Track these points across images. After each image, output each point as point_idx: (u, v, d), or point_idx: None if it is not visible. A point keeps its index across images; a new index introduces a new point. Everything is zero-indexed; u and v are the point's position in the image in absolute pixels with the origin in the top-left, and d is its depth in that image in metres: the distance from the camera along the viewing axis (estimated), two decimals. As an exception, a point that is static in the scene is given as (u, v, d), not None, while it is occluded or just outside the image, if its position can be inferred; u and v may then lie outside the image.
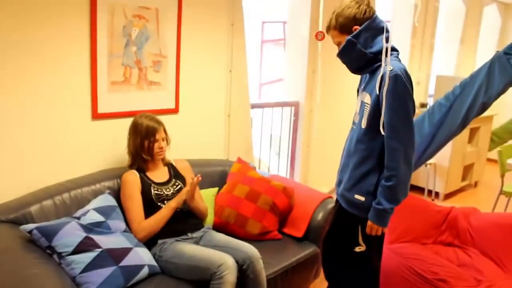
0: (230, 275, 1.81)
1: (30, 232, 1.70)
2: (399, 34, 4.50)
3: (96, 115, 2.28)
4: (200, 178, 2.08)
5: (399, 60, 1.72)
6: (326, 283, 2.09)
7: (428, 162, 3.93)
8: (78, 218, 1.89)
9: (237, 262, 1.90)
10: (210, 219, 2.39)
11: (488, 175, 5.22)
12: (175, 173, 2.28)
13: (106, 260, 1.77)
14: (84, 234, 1.80)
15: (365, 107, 1.75)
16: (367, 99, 1.74)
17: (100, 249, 1.78)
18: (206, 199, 2.39)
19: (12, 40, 1.93)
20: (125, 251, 1.85)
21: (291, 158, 3.73)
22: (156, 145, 2.16)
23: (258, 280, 1.96)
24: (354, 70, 1.81)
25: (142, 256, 1.90)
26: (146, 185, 2.13)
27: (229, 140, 3.01)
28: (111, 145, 2.37)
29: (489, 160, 5.35)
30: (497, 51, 2.48)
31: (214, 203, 2.47)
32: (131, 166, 2.19)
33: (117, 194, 2.15)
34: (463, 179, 4.76)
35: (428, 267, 2.23)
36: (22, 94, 2.01)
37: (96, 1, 2.15)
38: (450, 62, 5.35)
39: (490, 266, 2.38)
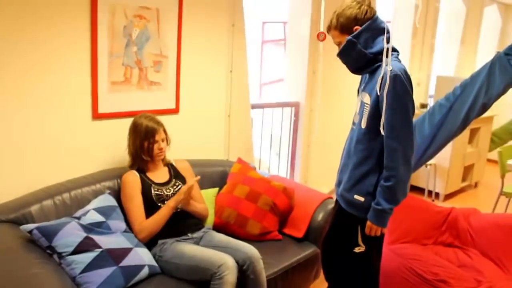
0: (230, 275, 1.81)
1: (30, 232, 1.70)
2: (400, 35, 4.50)
3: (97, 115, 2.28)
4: (193, 186, 2.07)
5: (399, 61, 1.72)
6: (326, 284, 2.09)
7: (429, 162, 3.93)
8: (78, 218, 1.89)
9: (237, 262, 1.90)
10: (210, 220, 2.39)
11: (488, 175, 5.22)
12: (175, 173, 2.28)
13: (106, 260, 1.77)
14: (84, 234, 1.80)
15: (365, 107, 1.75)
16: (367, 99, 1.74)
17: (100, 249, 1.78)
18: (206, 199, 2.39)
19: (13, 40, 1.93)
20: (125, 251, 1.85)
21: (291, 159, 3.73)
22: (155, 146, 2.16)
23: (258, 281, 1.96)
24: (354, 70, 1.81)
25: (142, 256, 1.90)
26: (146, 185, 2.13)
27: (229, 140, 3.01)
28: (112, 145, 2.37)
29: (489, 160, 5.34)
30: (498, 52, 2.48)
31: (214, 203, 2.47)
32: (131, 167, 2.19)
33: (117, 194, 2.15)
34: (463, 179, 4.75)
35: (428, 267, 2.23)
36: (22, 94, 2.01)
37: (96, 1, 2.15)
38: (450, 63, 5.35)
39: (490, 266, 2.38)
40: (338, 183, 1.92)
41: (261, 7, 5.46)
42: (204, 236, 2.15)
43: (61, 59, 2.10)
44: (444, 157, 4.27)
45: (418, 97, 4.51)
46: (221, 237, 2.12)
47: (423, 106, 4.67)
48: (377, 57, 1.71)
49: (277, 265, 2.15)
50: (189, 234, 2.11)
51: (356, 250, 1.82)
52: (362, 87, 1.85)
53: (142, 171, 2.19)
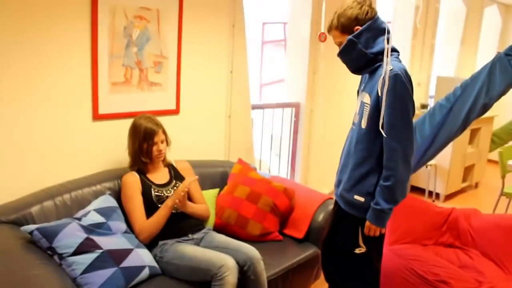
0: (231, 276, 1.81)
1: (30, 233, 1.70)
2: (400, 35, 4.51)
3: (97, 116, 2.28)
4: (186, 190, 2.05)
5: (400, 61, 1.72)
6: (326, 285, 2.09)
7: (429, 163, 3.93)
8: (79, 219, 1.89)
9: (238, 263, 1.90)
10: (211, 220, 2.39)
11: (488, 176, 5.22)
12: (175, 174, 2.28)
13: (106, 261, 1.76)
14: (85, 235, 1.80)
15: (365, 107, 1.75)
16: (367, 99, 1.74)
17: (101, 250, 1.78)
18: (207, 200, 2.39)
19: (13, 41, 1.93)
20: (125, 252, 1.85)
21: (291, 159, 3.73)
22: (154, 148, 2.15)
23: (259, 281, 1.96)
24: (354, 70, 1.81)
25: (142, 257, 1.90)
26: (146, 186, 2.13)
27: (229, 141, 3.01)
28: (112, 146, 2.37)
29: (489, 161, 5.34)
30: (498, 52, 2.48)
31: (215, 204, 2.47)
32: (131, 167, 2.19)
33: (117, 195, 2.15)
34: (464, 180, 4.75)
35: (429, 268, 2.23)
36: (23, 94, 2.01)
37: (97, 2, 2.15)
38: (450, 63, 5.35)
39: (491, 267, 2.38)
40: (338, 184, 1.91)
41: (261, 7, 5.45)
42: (205, 237, 2.15)
43: (62, 59, 2.10)
44: (444, 157, 4.27)
45: (418, 98, 4.51)
46: (222, 238, 2.12)
47: (424, 106, 4.67)
48: (378, 57, 1.71)
49: (277, 266, 2.15)
50: (189, 235, 2.11)
51: (357, 251, 1.81)
52: (362, 87, 1.85)
53: (142, 172, 2.18)
